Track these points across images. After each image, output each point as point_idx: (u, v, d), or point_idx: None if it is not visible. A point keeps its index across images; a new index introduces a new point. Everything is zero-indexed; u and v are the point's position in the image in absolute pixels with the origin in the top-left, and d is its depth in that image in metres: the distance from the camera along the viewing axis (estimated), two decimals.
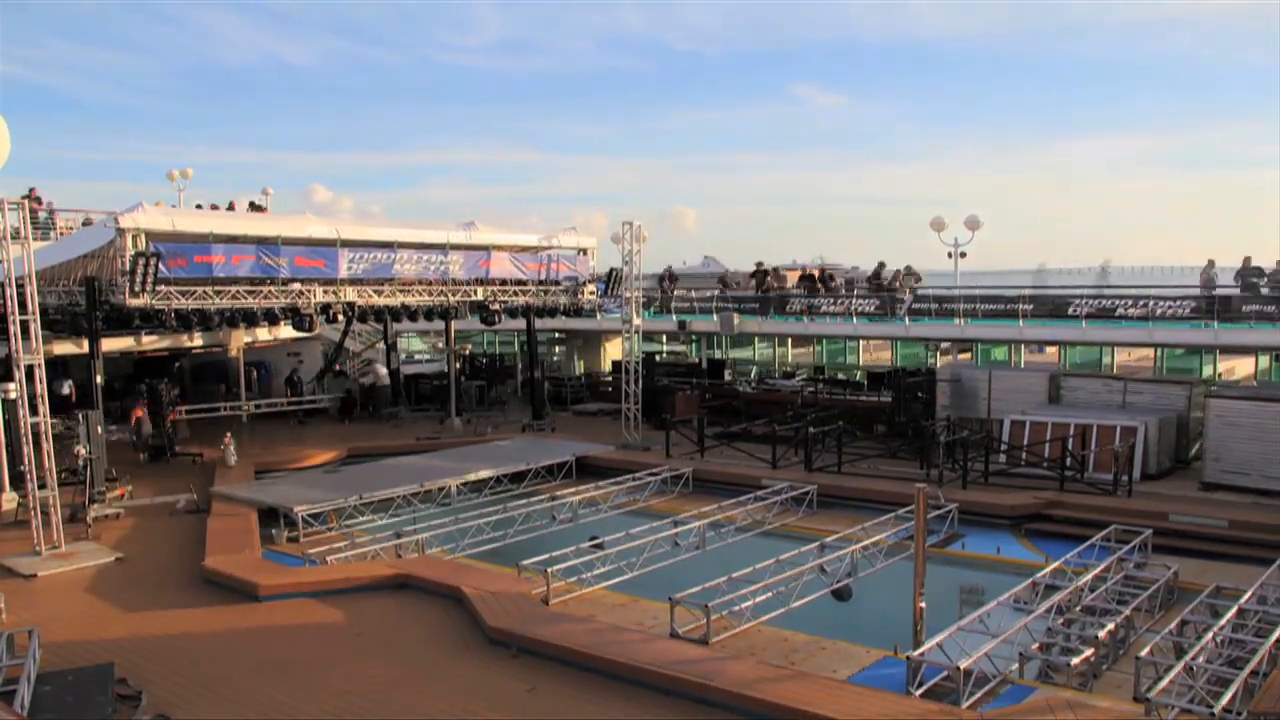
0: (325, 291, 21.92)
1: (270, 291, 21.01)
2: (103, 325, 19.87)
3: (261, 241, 21.12)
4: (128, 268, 18.37)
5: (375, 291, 23.16)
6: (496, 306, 25.20)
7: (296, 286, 21.35)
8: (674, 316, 29.84)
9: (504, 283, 25.95)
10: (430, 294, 24.30)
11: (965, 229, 28.02)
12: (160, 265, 18.71)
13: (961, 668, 9.43)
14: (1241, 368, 24.82)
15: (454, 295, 24.69)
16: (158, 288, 18.78)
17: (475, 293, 25.16)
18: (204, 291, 19.95)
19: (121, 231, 18.55)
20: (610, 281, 27.07)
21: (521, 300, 26.25)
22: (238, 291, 20.51)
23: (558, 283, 27.08)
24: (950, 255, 28.06)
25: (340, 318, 22.72)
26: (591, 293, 27.84)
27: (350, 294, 22.45)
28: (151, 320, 19.45)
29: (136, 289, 18.33)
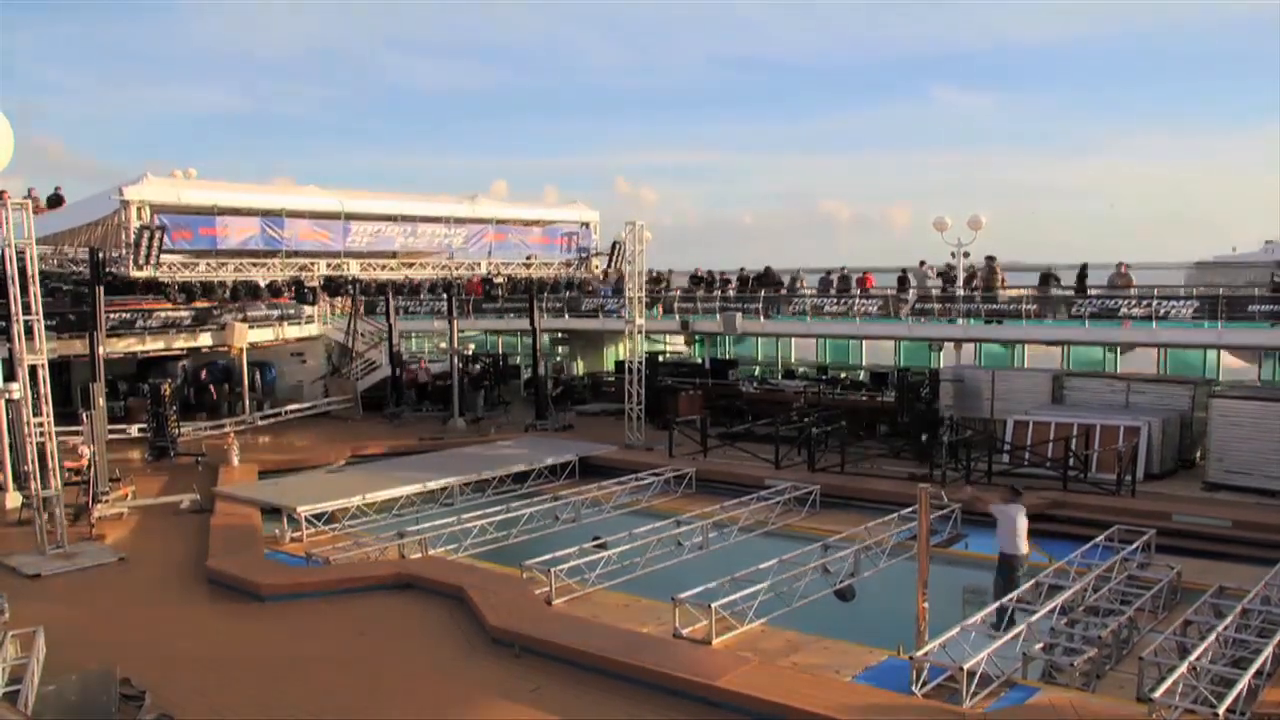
0: (329, 265, 21.93)
1: (274, 264, 21.04)
2: (105, 293, 19.83)
3: (267, 214, 21.13)
4: (132, 240, 18.33)
5: (379, 265, 23.14)
6: (500, 279, 25.07)
7: (301, 261, 21.39)
8: (675, 316, 29.78)
9: (507, 257, 25.86)
10: (434, 267, 24.25)
11: (969, 228, 27.89)
12: (165, 238, 18.70)
13: (965, 668, 9.41)
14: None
15: (458, 269, 24.62)
16: (162, 258, 18.77)
17: (479, 266, 25.08)
18: (208, 265, 20.00)
19: (125, 203, 18.50)
20: (613, 255, 26.81)
21: (525, 274, 26.17)
22: (241, 264, 20.53)
23: (566, 263, 26.99)
24: (953, 255, 27.97)
25: (345, 297, 22.68)
26: (597, 266, 27.71)
27: (354, 267, 22.43)
28: (154, 290, 19.50)
29: (141, 262, 18.32)
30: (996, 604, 11.55)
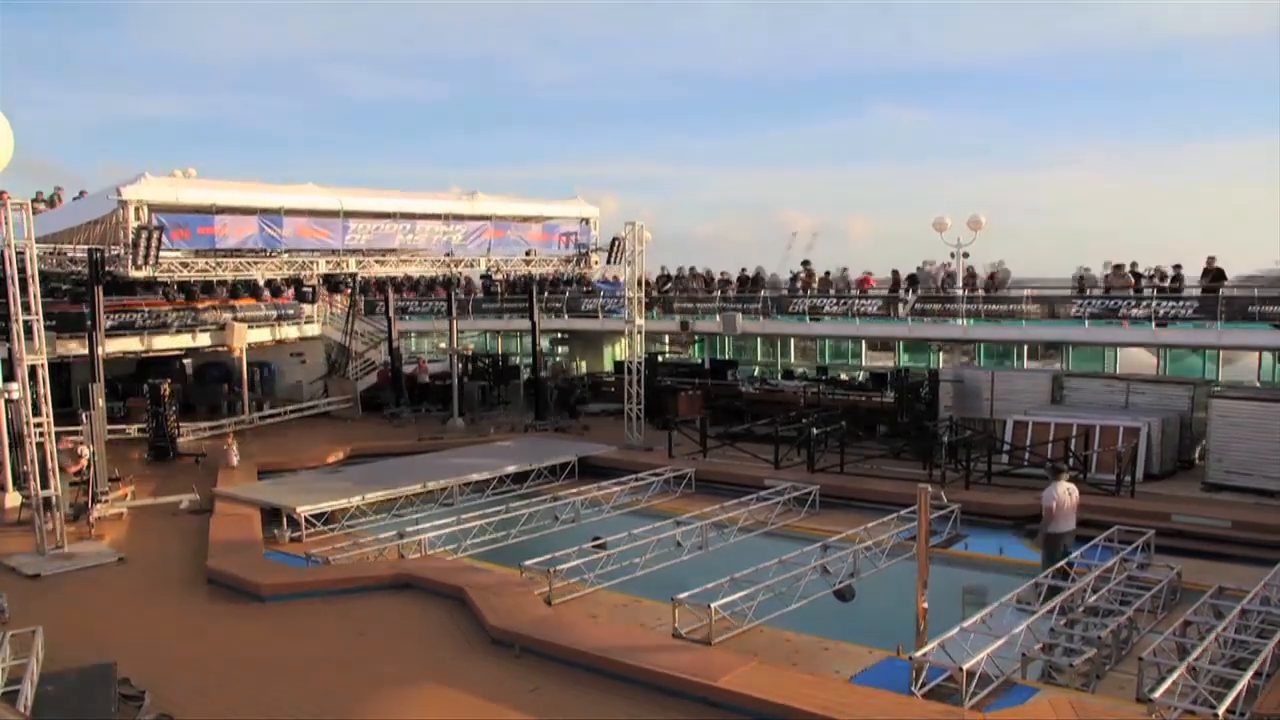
0: (328, 262, 21.96)
1: (272, 264, 21.08)
2: (104, 292, 19.93)
3: (265, 212, 21.20)
4: (131, 240, 18.38)
5: (378, 262, 23.17)
6: (500, 276, 25.06)
7: (300, 259, 21.43)
8: (676, 317, 29.75)
9: (507, 254, 25.91)
10: (434, 264, 24.28)
11: (968, 229, 27.91)
12: (164, 238, 18.76)
13: (964, 668, 9.41)
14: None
15: (457, 265, 24.63)
16: (160, 257, 18.87)
17: (479, 263, 25.09)
18: (205, 264, 20.05)
19: (124, 203, 18.55)
20: (612, 251, 26.85)
21: (524, 270, 26.13)
22: (240, 263, 20.58)
23: (566, 259, 26.95)
24: (953, 255, 27.97)
25: (345, 292, 22.78)
26: (596, 261, 27.70)
27: (352, 264, 22.49)
28: (154, 289, 19.64)
29: (139, 262, 18.41)
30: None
